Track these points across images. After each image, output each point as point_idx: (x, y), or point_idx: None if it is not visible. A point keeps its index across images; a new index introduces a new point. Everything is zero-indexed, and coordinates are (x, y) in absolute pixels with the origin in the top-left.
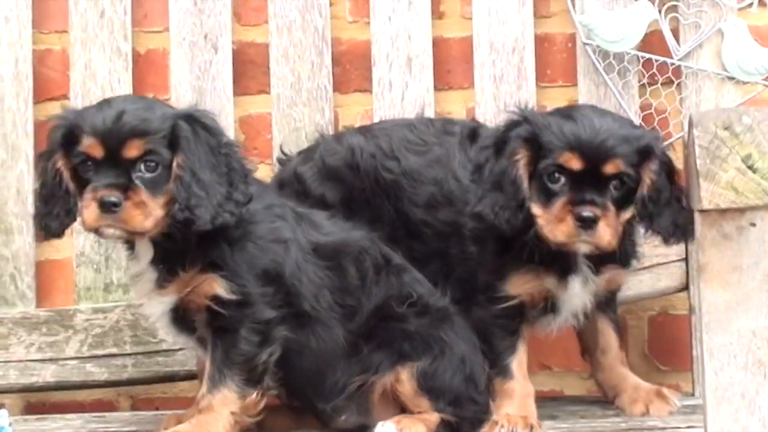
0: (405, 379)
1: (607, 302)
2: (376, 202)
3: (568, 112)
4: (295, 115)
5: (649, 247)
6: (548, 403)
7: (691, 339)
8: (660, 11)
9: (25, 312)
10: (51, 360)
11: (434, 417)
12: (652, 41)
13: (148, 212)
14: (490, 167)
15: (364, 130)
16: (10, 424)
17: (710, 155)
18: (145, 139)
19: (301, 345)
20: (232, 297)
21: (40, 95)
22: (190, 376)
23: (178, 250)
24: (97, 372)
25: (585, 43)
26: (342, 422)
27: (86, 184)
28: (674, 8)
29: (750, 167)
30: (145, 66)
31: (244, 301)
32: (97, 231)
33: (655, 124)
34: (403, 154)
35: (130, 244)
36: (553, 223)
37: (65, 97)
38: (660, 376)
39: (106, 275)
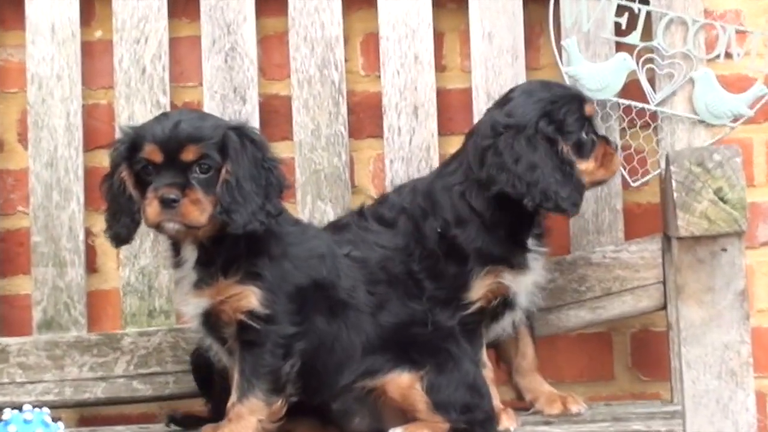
0: (416, 392)
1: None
2: None
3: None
4: (316, 159)
5: (631, 272)
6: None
7: (669, 352)
8: (638, 63)
9: (78, 336)
10: (101, 378)
11: (445, 425)
12: (631, 89)
13: (203, 208)
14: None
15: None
16: None
17: (685, 189)
18: (199, 145)
19: (332, 336)
20: (266, 311)
21: (90, 144)
22: None
23: (221, 257)
24: (142, 388)
25: None
26: (356, 425)
27: (147, 189)
28: (650, 60)
29: (721, 198)
30: None
31: (273, 317)
32: (158, 226)
33: (634, 162)
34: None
35: (177, 250)
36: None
37: (111, 145)
38: (642, 386)
39: (150, 303)
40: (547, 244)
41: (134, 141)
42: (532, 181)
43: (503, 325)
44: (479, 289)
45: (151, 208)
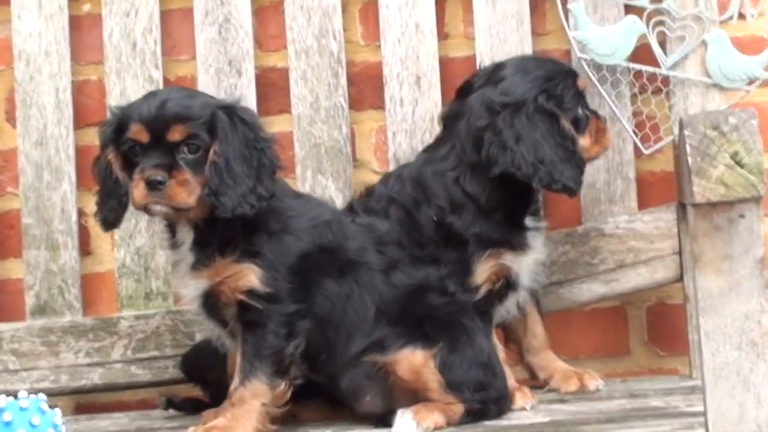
0: (428, 370)
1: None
2: None
3: None
4: (315, 132)
5: (645, 242)
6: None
7: (686, 325)
8: (648, 25)
9: (72, 320)
10: (98, 364)
11: (458, 406)
12: (641, 53)
13: (191, 190)
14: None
15: None
16: (63, 423)
17: (700, 154)
18: (186, 124)
19: (344, 296)
20: (266, 290)
21: (80, 122)
22: None
23: (217, 237)
24: (140, 374)
25: (580, 57)
26: (366, 404)
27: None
28: (661, 23)
29: (738, 163)
30: None
31: (274, 295)
32: (145, 208)
33: (647, 129)
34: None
35: (173, 231)
36: None
37: (100, 127)
38: (659, 361)
39: (146, 285)
40: (544, 218)
41: (121, 121)
42: (537, 160)
43: (507, 307)
44: (482, 273)
45: (138, 191)
